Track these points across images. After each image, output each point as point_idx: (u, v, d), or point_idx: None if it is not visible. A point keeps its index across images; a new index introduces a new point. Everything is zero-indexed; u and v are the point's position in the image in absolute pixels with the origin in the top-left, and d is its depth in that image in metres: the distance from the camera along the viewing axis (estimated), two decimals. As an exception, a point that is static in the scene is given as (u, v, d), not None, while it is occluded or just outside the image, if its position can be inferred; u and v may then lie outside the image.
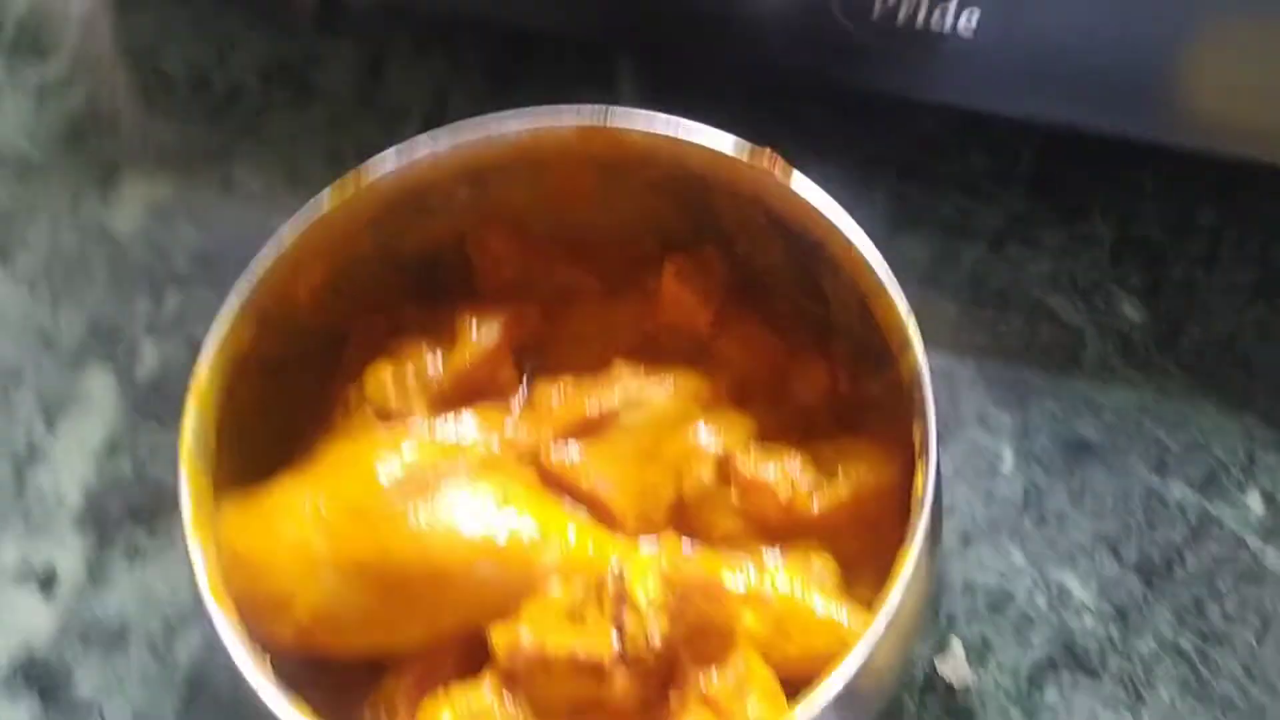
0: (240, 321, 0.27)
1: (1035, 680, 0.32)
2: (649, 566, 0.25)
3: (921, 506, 0.24)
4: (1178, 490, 0.35)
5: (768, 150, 0.28)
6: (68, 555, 0.34)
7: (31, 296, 0.39)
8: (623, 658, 0.24)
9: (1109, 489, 0.35)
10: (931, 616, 0.32)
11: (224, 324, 0.27)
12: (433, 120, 0.42)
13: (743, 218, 0.32)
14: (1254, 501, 0.34)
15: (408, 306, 0.33)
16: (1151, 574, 0.33)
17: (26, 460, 0.36)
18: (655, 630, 0.24)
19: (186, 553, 0.25)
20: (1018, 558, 0.33)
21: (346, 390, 0.30)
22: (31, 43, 0.46)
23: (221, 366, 0.27)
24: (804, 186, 0.28)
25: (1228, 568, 0.33)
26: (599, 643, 0.24)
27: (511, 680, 0.26)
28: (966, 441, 0.35)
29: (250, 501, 0.28)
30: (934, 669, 0.31)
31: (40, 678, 0.32)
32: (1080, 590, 0.33)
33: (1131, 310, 0.38)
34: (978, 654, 0.32)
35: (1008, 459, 0.35)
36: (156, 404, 0.37)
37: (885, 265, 0.27)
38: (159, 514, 0.35)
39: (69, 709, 0.32)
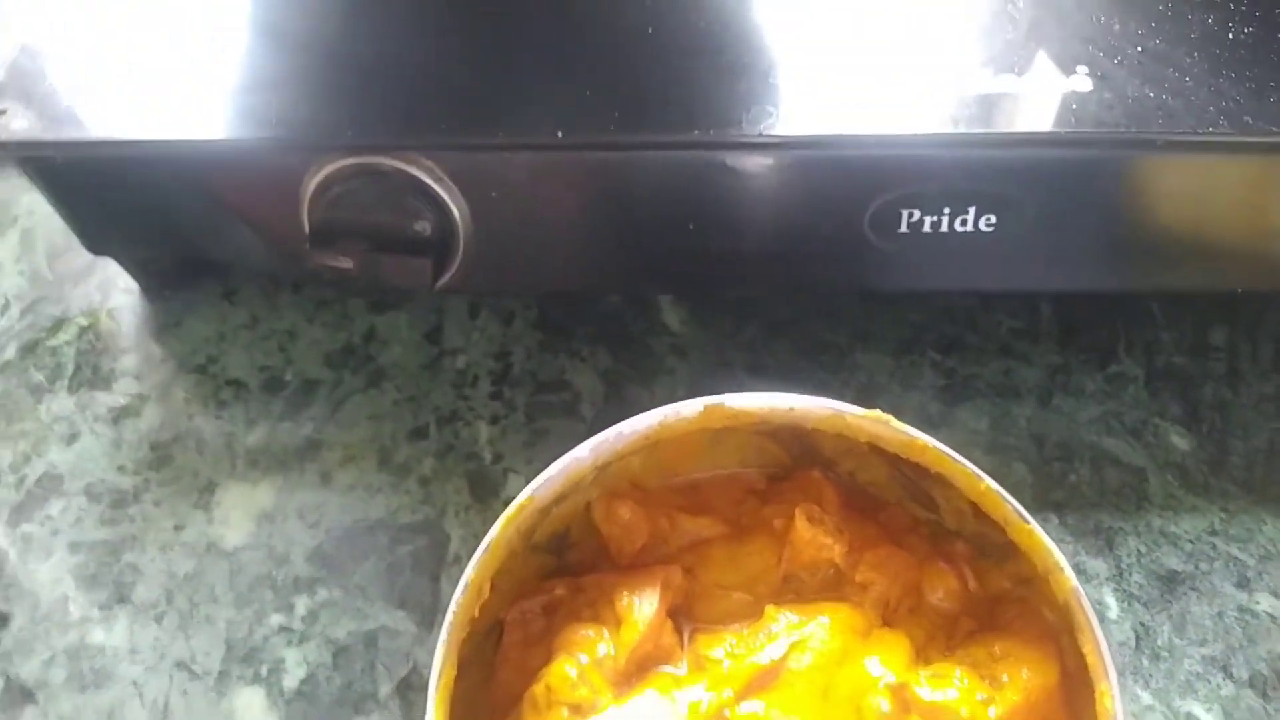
0: (447, 664, 0.29)
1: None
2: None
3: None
4: (1265, 602, 0.38)
5: (878, 410, 0.32)
6: None
7: (160, 627, 0.41)
8: None
9: (1205, 613, 0.38)
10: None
11: (437, 672, 0.29)
12: (501, 380, 0.46)
13: (845, 448, 0.35)
14: (1335, 600, 0.38)
15: (553, 584, 0.35)
16: (1265, 687, 0.37)
17: (199, 797, 0.37)
18: None
19: None
20: (1145, 697, 0.37)
21: (534, 690, 0.32)
22: (92, 375, 0.48)
23: (441, 709, 0.29)
24: (919, 435, 0.31)
25: (1332, 669, 0.37)
26: None
27: None
28: (1071, 595, 0.39)
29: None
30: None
31: None
32: (1206, 715, 0.36)
33: (1179, 439, 0.42)
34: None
35: (1112, 604, 0.38)
36: (314, 713, 0.38)
37: (1014, 499, 0.30)
38: (347, 826, 0.36)
39: None
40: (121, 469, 0.45)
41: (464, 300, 0.48)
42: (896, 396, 0.43)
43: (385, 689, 0.39)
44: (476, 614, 0.32)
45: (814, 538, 0.33)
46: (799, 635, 0.32)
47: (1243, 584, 0.38)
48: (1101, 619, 0.38)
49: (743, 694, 0.32)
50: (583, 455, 0.32)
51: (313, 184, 0.40)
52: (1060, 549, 0.39)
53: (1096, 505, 0.40)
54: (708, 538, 0.36)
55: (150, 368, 0.48)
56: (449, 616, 0.30)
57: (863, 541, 0.34)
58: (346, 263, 0.40)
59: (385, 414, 0.45)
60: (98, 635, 0.41)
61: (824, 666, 0.32)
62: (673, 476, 0.37)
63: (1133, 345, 0.44)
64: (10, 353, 0.49)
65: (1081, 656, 0.30)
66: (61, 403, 0.47)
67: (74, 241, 0.49)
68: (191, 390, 0.47)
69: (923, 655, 0.33)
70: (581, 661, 0.32)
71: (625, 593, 0.33)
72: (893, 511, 0.36)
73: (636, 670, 0.33)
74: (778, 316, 0.46)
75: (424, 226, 0.40)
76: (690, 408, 0.33)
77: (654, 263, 0.43)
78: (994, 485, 0.30)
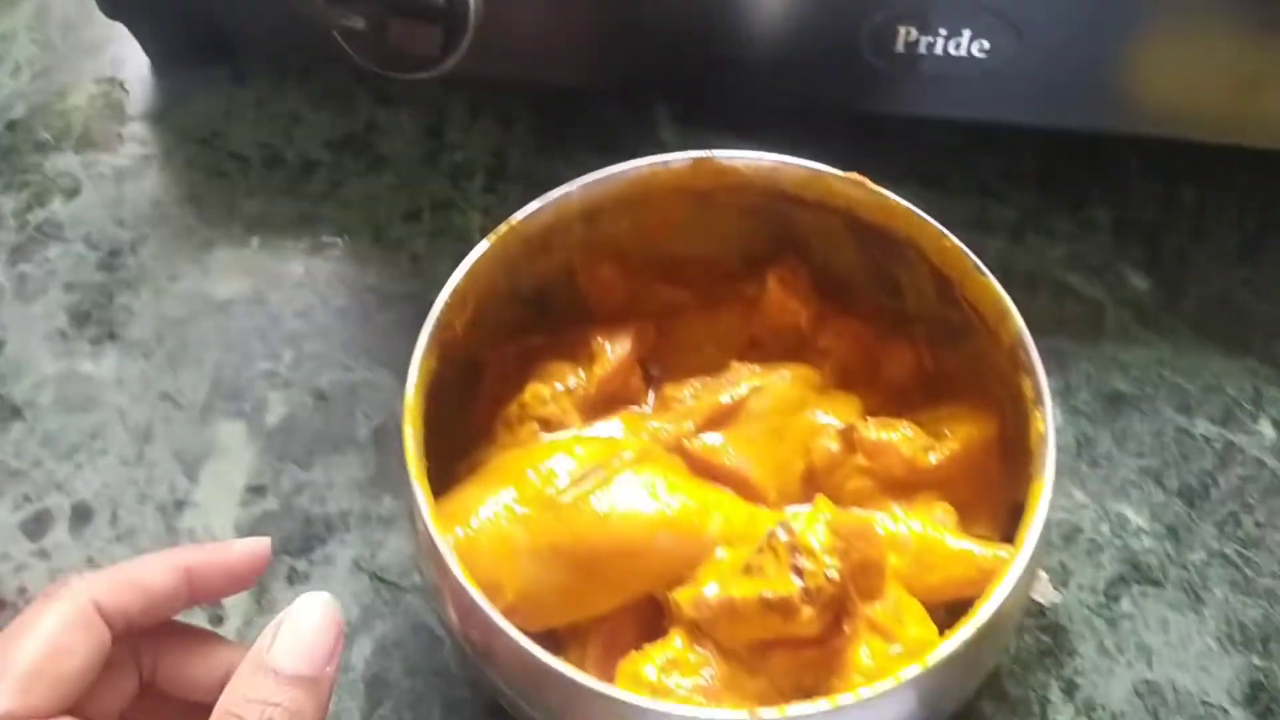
0: (429, 353, 0.31)
1: (1111, 594, 0.37)
2: (814, 520, 0.29)
3: (1046, 443, 0.29)
4: (1202, 426, 0.40)
5: (855, 174, 0.34)
6: (234, 591, 0.37)
7: (148, 363, 0.42)
8: (806, 595, 0.28)
9: (1145, 431, 0.40)
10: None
11: (419, 354, 0.31)
12: (497, 175, 0.47)
13: (822, 229, 0.37)
14: (1266, 428, 0.40)
15: (532, 335, 0.37)
16: (1192, 497, 0.39)
17: (174, 509, 0.39)
18: (832, 569, 0.28)
19: (426, 545, 0.29)
20: (1080, 496, 0.39)
21: (507, 410, 0.34)
22: (100, 137, 0.49)
23: (420, 389, 0.31)
24: (893, 196, 0.33)
25: (1253, 485, 0.39)
26: (785, 585, 0.28)
27: (697, 631, 0.30)
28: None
29: (444, 509, 0.31)
30: (1028, 598, 0.36)
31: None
32: (1135, 516, 0.38)
33: (1138, 281, 0.44)
34: (1060, 578, 0.37)
35: (1058, 415, 0.40)
36: (293, 448, 0.40)
37: (973, 254, 0.32)
38: (312, 541, 0.38)
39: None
40: (120, 223, 0.46)
41: (465, 100, 0.49)
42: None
43: (363, 433, 0.40)
44: (459, 331, 0.34)
45: (783, 300, 0.35)
46: (760, 383, 0.34)
47: (1184, 410, 0.41)
48: (1046, 428, 0.40)
49: (702, 427, 0.34)
50: (570, 191, 0.34)
51: (333, -54, 0.41)
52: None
53: (1053, 330, 0.42)
54: (682, 304, 0.37)
55: (156, 136, 0.49)
56: (432, 314, 0.31)
57: (827, 313, 0.36)
58: (358, 21, 0.41)
59: (381, 196, 0.47)
60: (86, 365, 0.42)
61: (780, 411, 0.34)
62: (657, 249, 0.38)
63: (1106, 196, 0.46)
64: (19, 111, 0.50)
65: (1022, 422, 0.32)
66: (67, 160, 0.48)
67: (88, 16, 0.51)
68: (195, 159, 0.48)
69: (873, 414, 0.34)
70: (555, 387, 0.34)
71: (600, 335, 0.35)
72: (860, 297, 0.38)
73: (605, 405, 0.34)
74: (769, 142, 0.47)
75: (438, -2, 0.41)
76: (679, 159, 0.34)
77: (656, 61, 0.44)
78: (957, 241, 0.32)
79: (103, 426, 0.41)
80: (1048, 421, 0.29)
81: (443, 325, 0.32)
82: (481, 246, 0.33)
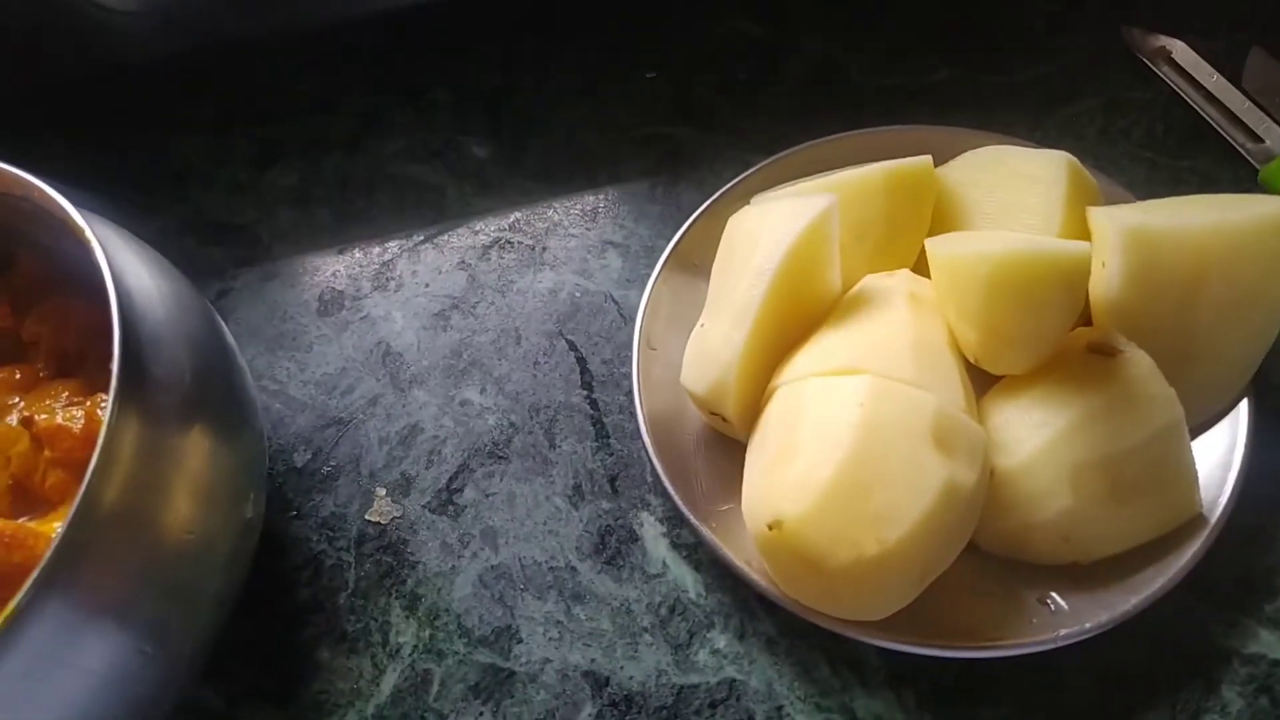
0: None
1: (453, 486, 0.33)
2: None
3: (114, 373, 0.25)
4: (549, 280, 0.37)
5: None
6: None
7: None
8: None
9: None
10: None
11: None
12: None
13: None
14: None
15: None
16: (535, 364, 0.36)
17: None
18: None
19: None
20: (420, 395, 0.35)
21: None
22: None
23: None
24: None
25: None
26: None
27: None
28: (362, 319, 0.37)
29: None
30: (365, 521, 0.33)
31: None
32: (480, 398, 0.35)
33: (479, 150, 0.41)
34: (401, 490, 0.33)
35: (398, 320, 0.37)
36: None
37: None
38: None
39: None
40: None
41: None
42: (209, 173, 0.41)
43: None
44: None
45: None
46: (-50, 407, 0.30)
47: (536, 265, 0.38)
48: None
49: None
50: None
51: None
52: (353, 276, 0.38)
53: (395, 231, 0.39)
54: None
55: None
56: None
57: (31, 299, 0.32)
58: None
59: None
60: None
61: (-18, 427, 0.30)
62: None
63: (445, 74, 0.43)
64: None
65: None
66: None
67: None
68: None
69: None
70: None
71: None
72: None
73: None
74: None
75: None
76: None
77: None
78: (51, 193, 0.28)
79: None
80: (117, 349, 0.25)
81: None
82: None
